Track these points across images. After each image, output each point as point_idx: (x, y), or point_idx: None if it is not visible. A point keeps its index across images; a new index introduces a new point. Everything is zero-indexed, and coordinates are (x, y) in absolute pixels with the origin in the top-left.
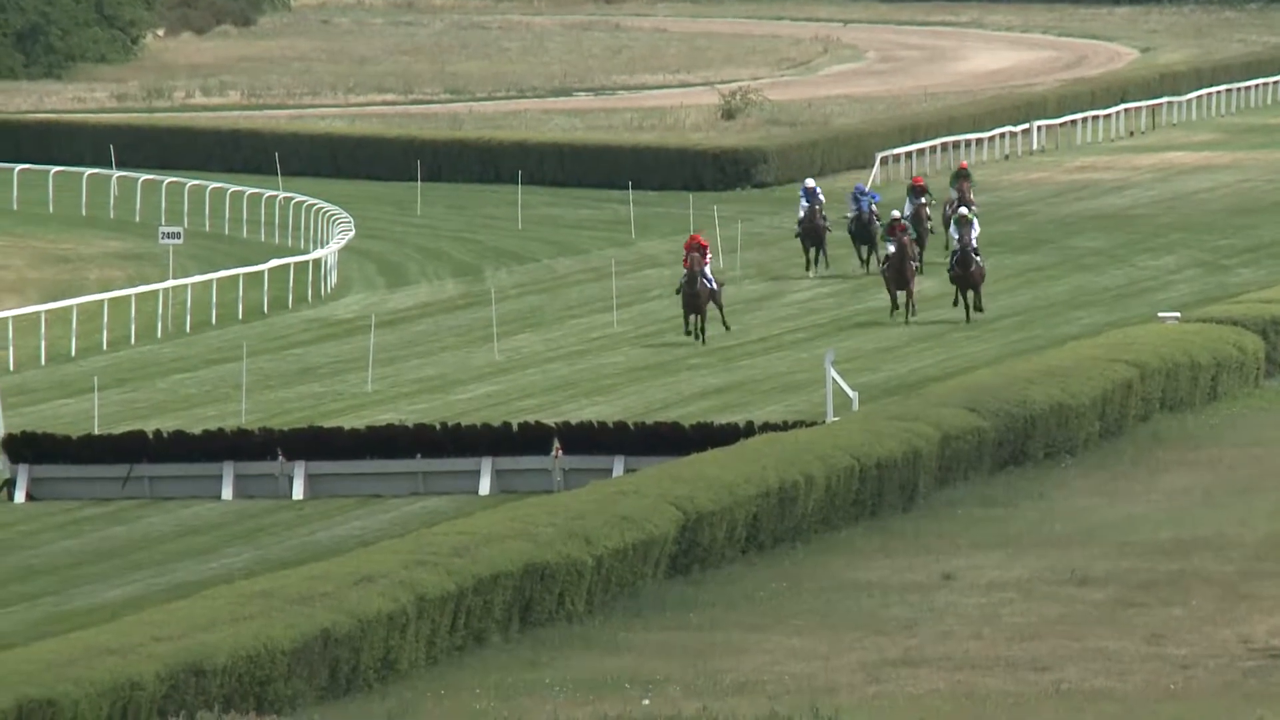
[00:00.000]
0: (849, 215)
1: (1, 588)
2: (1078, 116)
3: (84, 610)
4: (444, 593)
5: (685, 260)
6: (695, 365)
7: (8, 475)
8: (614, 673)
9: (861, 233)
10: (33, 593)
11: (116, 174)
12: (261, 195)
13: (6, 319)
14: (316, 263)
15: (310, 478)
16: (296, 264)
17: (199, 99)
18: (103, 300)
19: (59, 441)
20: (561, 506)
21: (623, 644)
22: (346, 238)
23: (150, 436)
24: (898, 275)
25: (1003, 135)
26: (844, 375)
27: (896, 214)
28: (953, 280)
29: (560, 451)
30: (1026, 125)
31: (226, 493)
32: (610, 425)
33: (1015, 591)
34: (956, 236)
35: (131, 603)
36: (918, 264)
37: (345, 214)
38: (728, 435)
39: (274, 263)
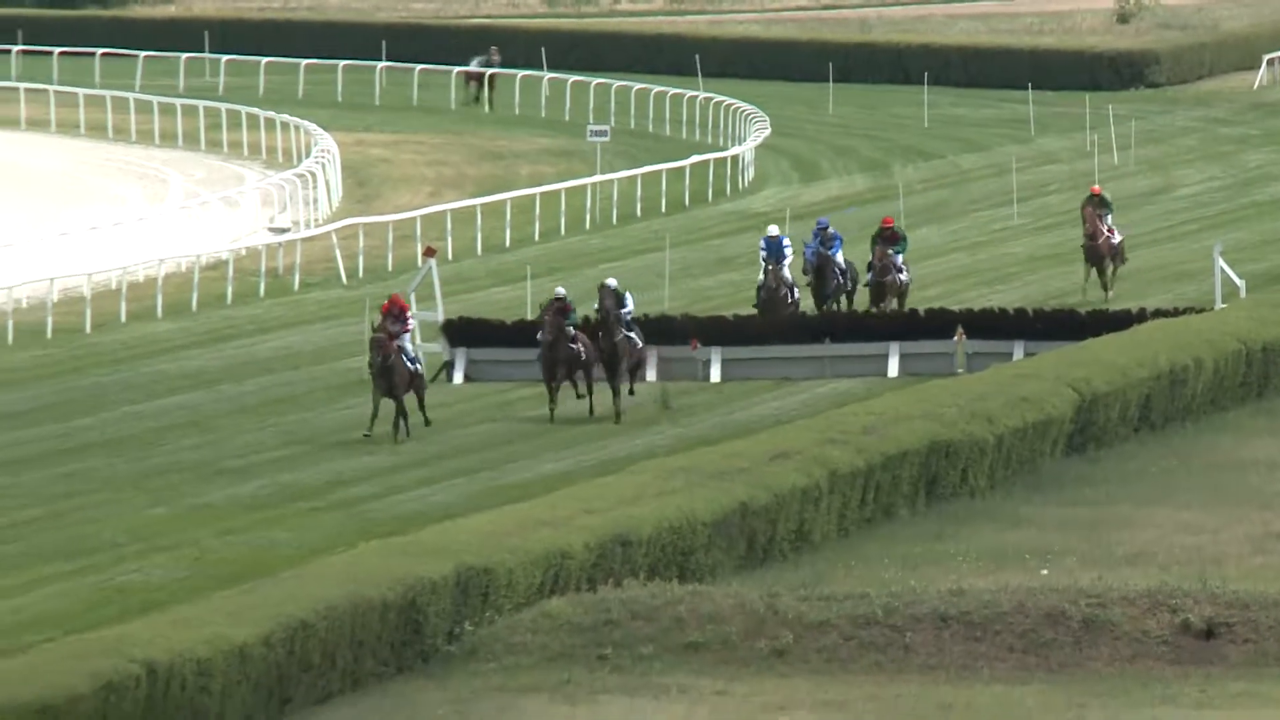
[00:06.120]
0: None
1: (442, 462)
2: None
3: (518, 484)
4: (854, 469)
5: (378, 328)
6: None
7: (448, 358)
8: (1014, 545)
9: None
10: (471, 467)
11: (547, 75)
12: (683, 96)
13: (446, 212)
14: (734, 159)
15: (726, 362)
16: (716, 160)
17: (624, 5)
18: (534, 194)
19: (494, 327)
20: (964, 388)
21: (1023, 518)
22: (762, 135)
23: None
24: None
25: None
26: (1231, 265)
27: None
28: None
29: (963, 336)
30: None
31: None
32: (1011, 312)
33: None
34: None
35: (562, 478)
36: None
37: (761, 113)
38: (1121, 321)
39: (695, 159)
